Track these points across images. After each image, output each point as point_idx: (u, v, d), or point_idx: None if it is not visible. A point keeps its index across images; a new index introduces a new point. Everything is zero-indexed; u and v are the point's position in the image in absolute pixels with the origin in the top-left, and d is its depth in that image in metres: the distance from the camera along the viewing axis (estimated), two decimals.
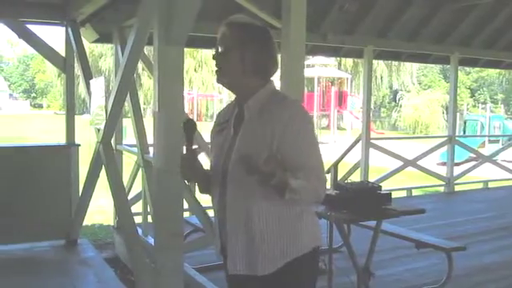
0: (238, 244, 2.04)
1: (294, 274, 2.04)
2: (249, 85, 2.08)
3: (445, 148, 10.32)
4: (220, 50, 2.08)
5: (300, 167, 1.93)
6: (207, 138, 2.16)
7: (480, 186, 10.83)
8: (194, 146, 2.15)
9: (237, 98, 2.16)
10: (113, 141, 5.51)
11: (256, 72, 2.07)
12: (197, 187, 2.28)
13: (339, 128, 30.60)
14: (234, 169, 2.02)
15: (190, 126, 2.11)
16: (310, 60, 26.24)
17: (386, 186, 5.47)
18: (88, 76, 5.91)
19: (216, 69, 2.11)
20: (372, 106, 10.67)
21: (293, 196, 1.90)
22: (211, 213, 2.33)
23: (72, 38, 5.88)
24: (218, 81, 2.14)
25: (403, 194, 9.40)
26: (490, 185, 10.80)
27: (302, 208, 2.05)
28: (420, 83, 49.91)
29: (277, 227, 2.00)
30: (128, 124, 6.58)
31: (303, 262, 2.04)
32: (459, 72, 9.92)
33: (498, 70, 39.06)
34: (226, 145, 2.11)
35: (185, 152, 2.10)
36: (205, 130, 3.49)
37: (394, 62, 34.95)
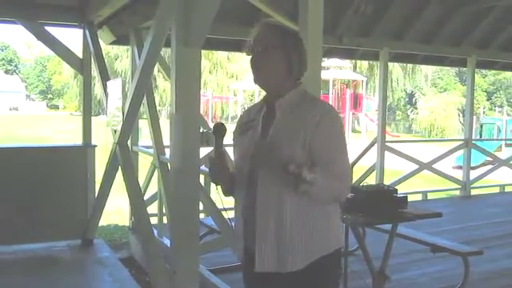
0: (268, 242, 2.05)
1: (319, 273, 2.06)
2: (285, 85, 2.11)
3: (460, 151, 10.24)
4: (265, 47, 2.08)
5: (326, 166, 1.97)
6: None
7: (496, 190, 10.72)
8: (223, 149, 2.17)
9: (266, 98, 2.18)
10: (129, 142, 5.55)
11: (295, 73, 2.11)
12: (220, 190, 2.30)
13: (354, 130, 30.49)
14: (265, 169, 2.03)
15: (220, 130, 2.15)
16: (325, 62, 26.19)
17: (401, 190, 5.43)
18: (105, 77, 5.96)
19: (255, 68, 2.11)
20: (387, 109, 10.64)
21: (307, 188, 1.92)
22: (231, 214, 2.34)
23: (89, 39, 5.94)
24: (257, 81, 2.13)
25: (419, 197, 9.34)
26: (507, 189, 10.69)
27: (330, 208, 2.08)
28: (436, 86, 49.59)
29: (306, 225, 2.02)
30: (143, 125, 6.62)
31: (328, 261, 2.07)
32: (476, 75, 9.82)
33: None
34: (251, 144, 2.11)
35: (214, 155, 2.14)
36: None
37: (408, 65, 34.77)
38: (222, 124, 2.21)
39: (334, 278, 2.18)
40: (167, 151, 5.18)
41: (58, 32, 6.10)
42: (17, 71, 74.32)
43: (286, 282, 2.06)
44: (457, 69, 43.14)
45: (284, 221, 2.02)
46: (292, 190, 1.97)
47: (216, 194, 2.36)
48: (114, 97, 5.43)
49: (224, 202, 2.45)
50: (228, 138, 2.20)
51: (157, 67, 6.29)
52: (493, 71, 40.77)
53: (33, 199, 5.66)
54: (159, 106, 32.25)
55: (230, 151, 2.30)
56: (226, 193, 2.27)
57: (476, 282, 4.75)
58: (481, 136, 21.34)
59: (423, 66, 35.99)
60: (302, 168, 1.91)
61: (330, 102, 26.45)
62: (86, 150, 6.03)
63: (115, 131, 5.34)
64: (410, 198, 4.70)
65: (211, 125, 2.25)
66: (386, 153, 8.55)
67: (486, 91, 51.42)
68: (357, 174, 8.38)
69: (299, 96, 2.11)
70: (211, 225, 5.08)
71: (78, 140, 6.39)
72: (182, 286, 3.73)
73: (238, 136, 2.24)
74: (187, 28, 3.45)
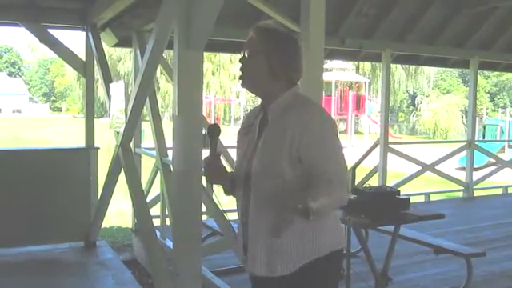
0: (258, 245, 2.06)
1: (312, 276, 2.05)
2: (273, 89, 2.10)
3: (463, 153, 10.22)
4: (246, 54, 2.11)
5: (321, 172, 1.94)
6: (225, 142, 2.19)
7: (499, 191, 10.69)
8: (218, 150, 2.17)
9: (263, 102, 2.18)
10: (131, 144, 5.56)
11: (281, 77, 2.09)
12: (221, 189, 2.30)
13: (357, 132, 30.47)
14: (257, 172, 2.04)
15: (214, 131, 2.16)
16: (328, 64, 26.18)
17: (404, 191, 5.44)
18: (108, 80, 5.98)
19: (240, 73, 2.14)
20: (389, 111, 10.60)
21: (317, 215, 1.90)
22: (233, 216, 2.35)
23: (92, 42, 5.96)
24: (243, 85, 2.17)
25: (421, 198, 9.32)
26: (510, 190, 10.65)
27: None
28: (439, 87, 49.57)
29: (295, 229, 2.00)
30: (145, 127, 6.63)
31: (322, 264, 2.05)
32: (478, 76, 9.82)
33: None
34: (249, 148, 2.14)
35: (209, 155, 2.14)
36: (222, 134, 3.49)
37: (411, 66, 34.74)
38: (217, 125, 2.22)
39: (331, 280, 2.15)
40: (170, 153, 5.19)
41: (60, 34, 6.12)
42: (20, 74, 74.60)
43: (281, 283, 2.06)
44: (460, 70, 43.12)
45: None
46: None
47: (215, 196, 2.36)
48: (117, 99, 5.44)
49: (225, 204, 2.45)
50: (231, 140, 2.21)
51: (159, 69, 6.31)
52: (495, 72, 40.73)
53: (35, 201, 5.66)
54: (161, 107, 32.27)
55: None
56: (227, 192, 2.27)
57: (478, 283, 4.75)
58: (484, 137, 21.30)
59: (426, 68, 35.91)
60: (307, 202, 1.86)
61: (333, 104, 26.57)
62: (88, 152, 6.04)
63: (118, 133, 5.35)
64: (413, 200, 4.69)
65: None
66: (389, 154, 8.54)
67: (488, 92, 51.40)
68: (359, 175, 8.33)
69: (291, 99, 2.09)
70: (214, 227, 5.09)
71: (80, 142, 6.40)
72: (185, 287, 3.73)
73: (240, 138, 2.25)
74: (189, 30, 3.45)
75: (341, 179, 1.98)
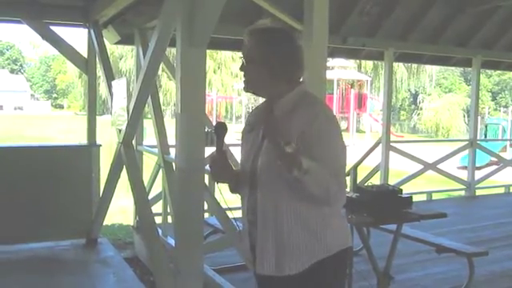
0: (267, 244, 2.05)
1: (320, 276, 2.05)
2: (276, 89, 2.10)
3: (465, 152, 10.22)
4: (245, 60, 2.10)
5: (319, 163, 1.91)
6: (226, 139, 2.18)
7: (501, 190, 10.68)
8: (224, 148, 2.17)
9: (268, 100, 2.18)
10: (133, 141, 5.55)
11: (282, 77, 2.08)
12: (227, 186, 2.29)
13: (358, 130, 30.43)
14: (263, 170, 2.03)
15: (221, 129, 2.15)
16: (330, 62, 26.14)
17: (405, 190, 5.42)
18: (110, 77, 5.97)
19: (243, 79, 2.13)
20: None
21: (300, 176, 1.83)
22: (237, 213, 2.34)
23: (94, 39, 5.95)
24: (246, 90, 2.16)
25: (423, 197, 9.31)
26: None
27: (327, 210, 2.04)
28: (440, 86, 49.50)
29: (304, 228, 2.01)
30: (147, 125, 6.63)
31: (330, 263, 2.05)
32: (480, 75, 9.80)
33: None
34: (254, 145, 2.13)
35: (215, 153, 2.13)
36: None
37: (413, 65, 34.71)
38: (223, 123, 2.21)
39: (339, 279, 2.16)
40: (172, 151, 5.19)
41: (63, 31, 6.11)
42: (22, 71, 74.60)
43: (289, 282, 2.05)
44: (461, 69, 43.06)
45: (282, 225, 2.01)
46: (289, 193, 1.95)
47: (220, 193, 2.35)
48: (119, 96, 5.44)
49: (229, 201, 2.44)
50: (232, 138, 2.20)
51: (161, 67, 6.30)
52: (497, 71, 40.66)
53: (37, 198, 5.67)
54: (163, 105, 32.18)
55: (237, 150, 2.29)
56: (233, 190, 2.27)
57: (479, 283, 4.73)
58: (486, 136, 21.28)
59: (428, 66, 35.91)
60: (299, 152, 1.82)
61: (335, 102, 26.55)
62: (90, 149, 6.04)
63: (120, 131, 5.35)
64: (415, 199, 4.68)
65: None
66: (391, 153, 8.53)
67: (490, 91, 51.30)
68: (361, 174, 8.34)
69: (298, 97, 2.09)
70: (215, 224, 5.09)
71: (82, 139, 6.40)
72: (186, 285, 3.73)
73: (245, 135, 2.25)
74: (192, 28, 3.45)
75: (334, 172, 1.94)
